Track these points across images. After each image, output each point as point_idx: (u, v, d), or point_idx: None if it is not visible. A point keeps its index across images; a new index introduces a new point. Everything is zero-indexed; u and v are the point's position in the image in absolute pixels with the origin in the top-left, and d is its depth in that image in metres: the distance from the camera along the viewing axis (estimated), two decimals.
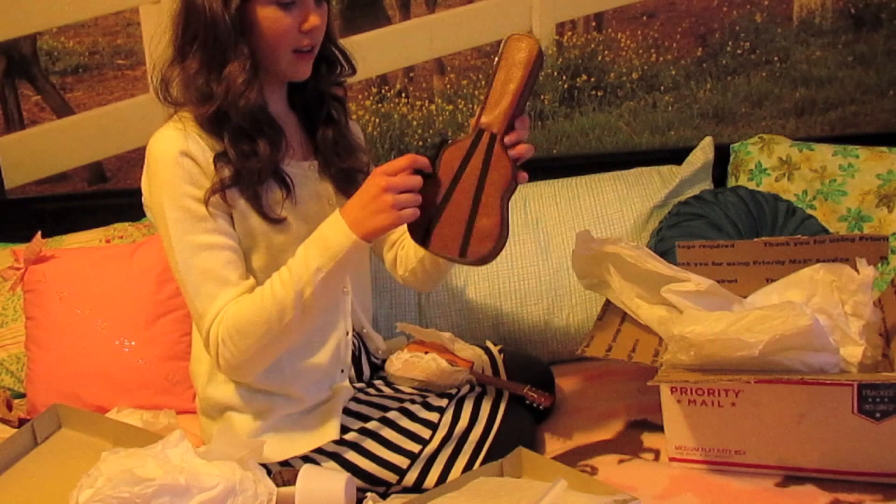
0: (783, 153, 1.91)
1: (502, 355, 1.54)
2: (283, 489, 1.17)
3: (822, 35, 2.04)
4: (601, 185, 1.86)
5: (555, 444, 1.41)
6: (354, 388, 1.38)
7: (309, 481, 1.18)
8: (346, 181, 1.37)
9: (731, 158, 1.98)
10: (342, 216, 1.19)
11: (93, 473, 1.09)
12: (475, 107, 2.03)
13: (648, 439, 1.36)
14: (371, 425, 1.31)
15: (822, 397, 1.18)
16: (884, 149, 1.87)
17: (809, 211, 1.80)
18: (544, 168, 1.94)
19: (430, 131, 2.04)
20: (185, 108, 1.26)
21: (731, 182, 1.95)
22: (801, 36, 2.04)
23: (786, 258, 1.42)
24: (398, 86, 2.03)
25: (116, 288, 1.66)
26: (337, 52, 1.35)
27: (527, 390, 1.42)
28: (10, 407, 1.63)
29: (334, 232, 1.19)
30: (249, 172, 1.23)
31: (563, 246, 1.76)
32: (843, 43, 2.05)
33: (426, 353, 1.45)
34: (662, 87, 2.05)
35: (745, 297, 1.38)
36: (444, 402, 1.34)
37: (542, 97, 2.04)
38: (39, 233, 1.73)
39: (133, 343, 1.63)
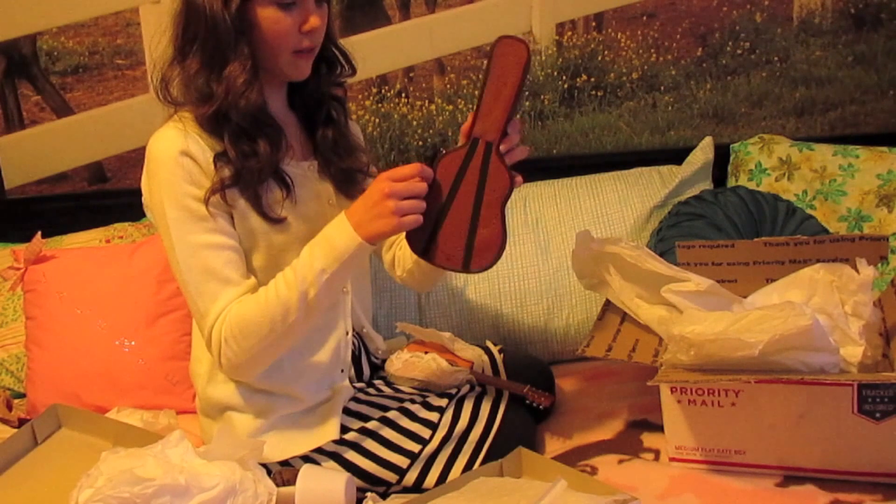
0: (783, 153, 1.91)
1: (502, 355, 1.54)
2: (283, 489, 1.17)
3: (822, 35, 2.04)
4: (601, 185, 1.86)
5: (555, 444, 1.41)
6: (354, 387, 1.38)
7: (309, 481, 1.18)
8: (346, 181, 1.37)
9: (731, 158, 1.98)
10: (347, 218, 1.20)
11: (93, 473, 1.09)
12: (475, 107, 2.03)
13: (648, 439, 1.36)
14: (371, 425, 1.31)
15: (822, 397, 1.18)
16: (884, 149, 1.87)
17: (809, 211, 1.80)
18: (544, 168, 1.94)
19: (430, 131, 2.04)
20: (185, 108, 1.26)
21: (731, 182, 1.95)
22: (801, 36, 2.04)
23: (786, 258, 1.42)
24: (398, 86, 2.03)
25: (116, 288, 1.66)
26: (337, 52, 1.35)
27: (527, 390, 1.42)
28: (10, 407, 1.63)
29: (339, 233, 1.19)
30: (249, 172, 1.23)
31: (563, 246, 1.76)
32: (843, 43, 2.05)
33: (426, 353, 1.45)
34: (662, 87, 2.05)
35: (745, 297, 1.38)
36: (444, 402, 1.34)
37: (542, 97, 2.04)
38: (39, 233, 1.73)
39: (133, 343, 1.63)
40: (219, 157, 1.23)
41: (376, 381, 1.44)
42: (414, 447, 1.30)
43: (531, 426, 1.42)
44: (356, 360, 1.42)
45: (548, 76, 2.03)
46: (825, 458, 1.20)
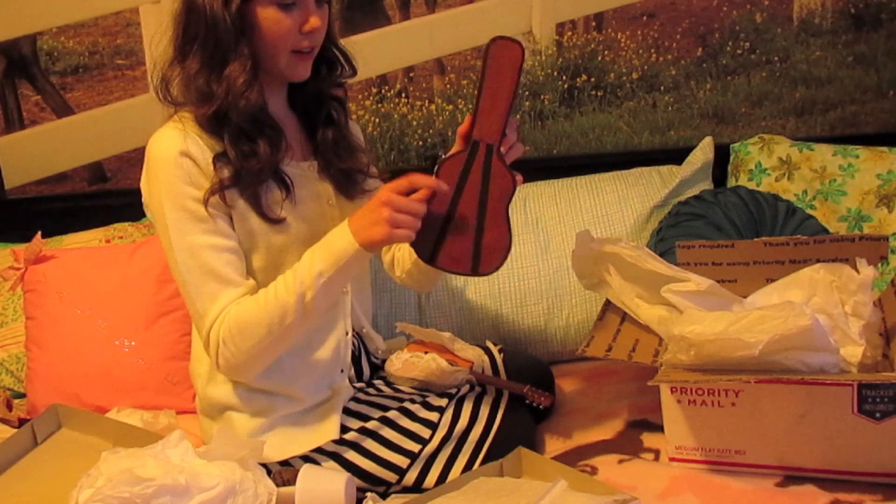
0: (783, 153, 1.91)
1: (502, 355, 1.54)
2: (283, 489, 1.17)
3: (822, 35, 2.04)
4: (601, 185, 1.86)
5: (555, 444, 1.41)
6: (354, 387, 1.38)
7: (309, 481, 1.18)
8: (346, 181, 1.37)
9: (731, 158, 1.98)
10: (348, 223, 1.20)
11: (93, 473, 1.09)
12: (473, 109, 2.02)
13: (648, 439, 1.36)
14: (371, 425, 1.31)
15: (822, 397, 1.18)
16: (884, 149, 1.87)
17: (809, 211, 1.80)
18: (544, 168, 1.94)
19: (430, 131, 2.04)
20: (185, 108, 1.26)
21: (731, 182, 1.95)
22: (801, 36, 2.04)
23: (786, 258, 1.42)
24: (398, 86, 2.03)
25: (116, 288, 1.66)
26: (338, 53, 1.35)
27: (527, 390, 1.42)
28: (10, 407, 1.63)
29: (339, 238, 1.20)
30: (249, 173, 1.23)
31: (563, 246, 1.76)
32: (843, 43, 2.05)
33: (426, 353, 1.45)
34: (662, 87, 2.05)
35: (745, 297, 1.38)
36: (443, 402, 1.34)
37: (542, 97, 2.04)
38: (39, 233, 1.73)
39: (133, 343, 1.63)
40: (218, 158, 1.23)
41: (376, 381, 1.44)
42: (414, 447, 1.30)
43: (531, 426, 1.42)
44: (356, 360, 1.42)
45: (548, 76, 2.03)
46: (825, 458, 1.20)
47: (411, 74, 2.02)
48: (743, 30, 2.03)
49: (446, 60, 2.02)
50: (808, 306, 1.21)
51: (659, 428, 1.32)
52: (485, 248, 1.21)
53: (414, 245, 1.21)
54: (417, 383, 1.42)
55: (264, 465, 1.21)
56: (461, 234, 1.20)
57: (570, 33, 2.02)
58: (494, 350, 1.55)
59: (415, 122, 2.04)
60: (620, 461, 1.31)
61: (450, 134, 2.04)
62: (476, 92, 1.20)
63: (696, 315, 1.23)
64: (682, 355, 1.20)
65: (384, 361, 1.48)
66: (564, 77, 2.03)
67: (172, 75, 1.26)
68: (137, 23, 1.96)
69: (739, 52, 2.04)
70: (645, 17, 2.02)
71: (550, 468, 1.19)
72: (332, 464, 1.29)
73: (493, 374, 1.49)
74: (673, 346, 1.22)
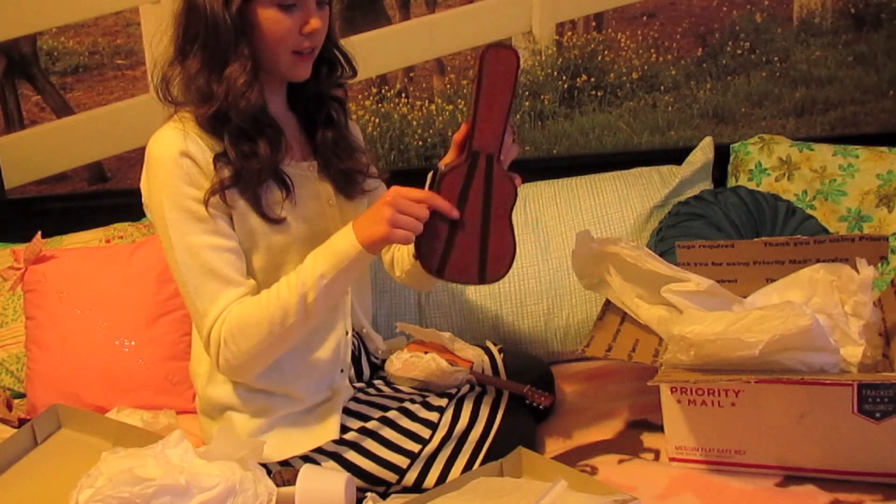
0: (783, 153, 1.91)
1: (502, 355, 1.54)
2: (283, 489, 1.17)
3: (822, 35, 2.04)
4: (601, 185, 1.86)
5: (555, 444, 1.41)
6: (354, 387, 1.38)
7: (309, 481, 1.18)
8: (346, 182, 1.37)
9: (731, 158, 1.98)
10: (352, 226, 1.20)
11: (93, 473, 1.09)
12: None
13: (648, 439, 1.36)
14: (371, 425, 1.31)
15: (822, 397, 1.18)
16: (884, 149, 1.87)
17: (809, 211, 1.80)
18: (544, 168, 1.94)
19: (430, 131, 2.04)
20: (185, 108, 1.26)
21: (731, 182, 1.95)
22: (801, 36, 2.04)
23: (786, 258, 1.42)
24: (398, 86, 2.03)
25: (116, 288, 1.66)
26: (338, 54, 1.35)
27: (527, 390, 1.42)
28: (10, 407, 1.63)
29: (342, 240, 1.20)
30: (249, 173, 1.23)
31: (563, 246, 1.76)
32: (843, 43, 2.05)
33: (426, 353, 1.45)
34: (662, 87, 2.05)
35: (745, 297, 1.38)
36: (444, 402, 1.34)
37: (542, 97, 2.04)
38: (39, 233, 1.73)
39: (133, 343, 1.62)
40: (218, 158, 1.23)
41: (376, 381, 1.44)
42: (414, 447, 1.30)
43: (531, 426, 1.42)
44: (356, 360, 1.42)
45: (548, 76, 2.03)
46: (825, 458, 1.20)
47: (411, 74, 2.02)
48: (743, 30, 2.03)
49: (446, 60, 2.02)
50: (808, 306, 1.22)
51: (659, 428, 1.32)
52: (490, 256, 1.21)
53: (420, 259, 1.21)
54: (417, 383, 1.42)
55: (264, 465, 1.21)
56: (467, 245, 1.20)
57: (570, 33, 2.02)
58: (494, 350, 1.55)
59: (415, 122, 2.04)
60: (620, 461, 1.31)
61: (450, 134, 2.03)
62: (472, 100, 1.19)
63: (696, 315, 1.23)
64: (682, 355, 1.20)
65: (384, 361, 1.48)
66: (564, 77, 2.03)
67: (173, 75, 1.26)
68: (137, 23, 1.96)
69: (739, 52, 2.04)
70: (645, 17, 2.02)
71: (550, 468, 1.19)
72: (332, 464, 1.29)
73: (493, 374, 1.49)
74: (673, 346, 1.22)
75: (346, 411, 1.33)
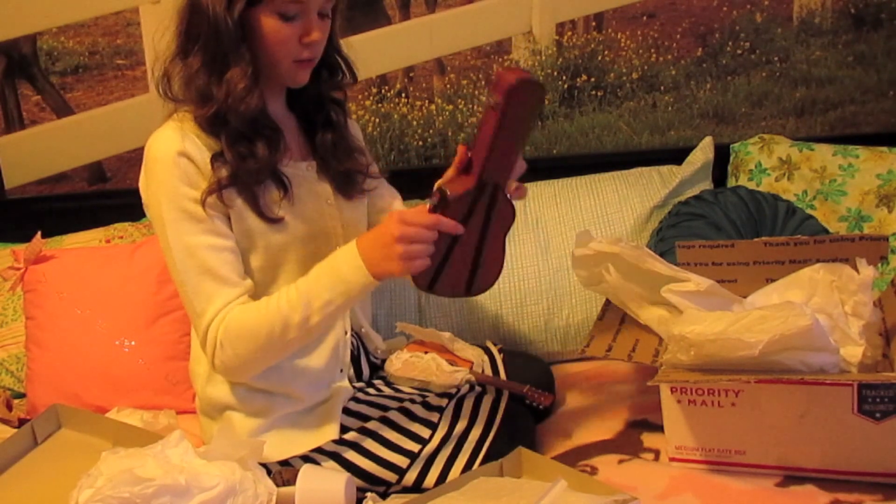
0: (783, 153, 1.91)
1: (502, 355, 1.54)
2: (283, 489, 1.17)
3: (822, 35, 2.04)
4: (601, 185, 1.86)
5: (555, 444, 1.41)
6: (354, 387, 1.38)
7: (309, 481, 1.18)
8: (345, 182, 1.37)
9: (731, 158, 1.98)
10: (359, 251, 1.17)
11: (93, 473, 1.09)
12: (475, 107, 2.03)
13: (648, 439, 1.36)
14: (371, 425, 1.31)
15: (822, 397, 1.18)
16: (884, 149, 1.87)
17: (809, 211, 1.80)
18: (544, 168, 1.94)
19: (430, 131, 2.04)
20: (184, 106, 1.26)
21: (731, 182, 1.95)
22: (801, 36, 2.04)
23: (786, 258, 1.42)
24: (398, 86, 2.03)
25: (116, 288, 1.66)
26: (340, 59, 1.35)
27: (527, 390, 1.42)
28: (10, 407, 1.63)
29: (350, 268, 1.17)
30: (246, 173, 1.23)
31: (563, 246, 1.76)
32: (843, 43, 2.05)
33: (426, 353, 1.45)
34: (662, 87, 2.05)
35: (745, 297, 1.38)
36: (443, 402, 1.34)
37: None
38: (39, 233, 1.73)
39: (133, 343, 1.62)
40: (216, 158, 1.23)
41: (376, 381, 1.45)
42: (414, 447, 1.30)
43: (531, 426, 1.42)
44: (355, 360, 1.42)
45: (548, 76, 2.03)
46: (825, 458, 1.20)
47: (411, 74, 2.02)
48: (743, 30, 2.03)
49: (446, 60, 2.02)
50: (808, 306, 1.21)
51: (659, 428, 1.32)
52: (481, 272, 1.20)
53: (413, 278, 1.19)
54: (417, 383, 1.42)
55: (264, 465, 1.21)
56: (460, 264, 1.18)
57: (570, 33, 2.02)
58: (494, 350, 1.55)
59: (415, 122, 2.04)
60: (620, 461, 1.31)
61: (450, 134, 2.04)
62: (488, 127, 1.11)
63: (696, 315, 1.23)
64: (682, 355, 1.20)
65: (384, 361, 1.48)
66: (564, 77, 2.03)
67: (174, 71, 1.26)
68: (137, 23, 1.96)
69: (739, 52, 2.04)
70: (645, 17, 2.02)
71: (550, 468, 1.19)
72: (332, 464, 1.29)
73: (493, 374, 1.49)
74: (673, 346, 1.22)
75: (346, 411, 1.33)
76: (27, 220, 1.92)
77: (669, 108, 2.06)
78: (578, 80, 2.04)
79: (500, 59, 2.02)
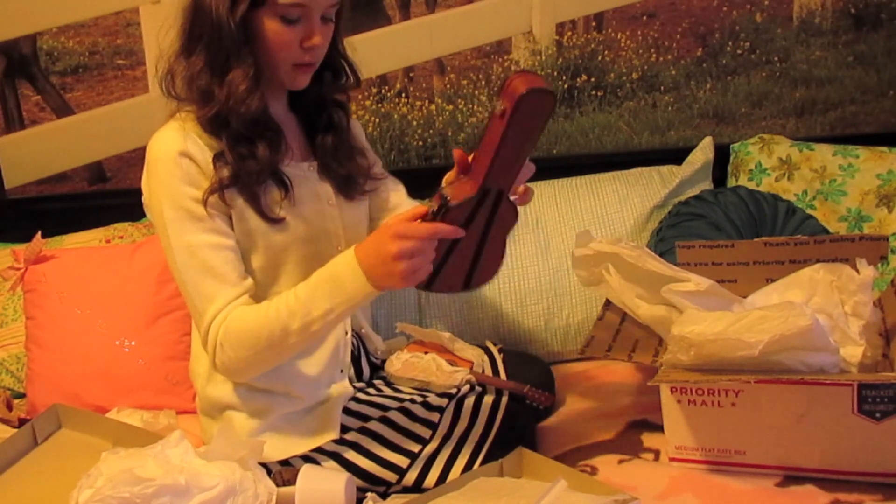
0: (783, 153, 1.91)
1: (502, 355, 1.54)
2: (283, 489, 1.17)
3: (822, 35, 2.04)
4: (601, 185, 1.86)
5: (555, 444, 1.41)
6: (354, 387, 1.38)
7: (309, 481, 1.18)
8: (346, 183, 1.37)
9: (731, 158, 1.98)
10: (359, 261, 1.14)
11: (93, 473, 1.09)
12: (475, 107, 2.03)
13: (648, 439, 1.36)
14: (371, 425, 1.31)
15: (822, 397, 1.18)
16: (884, 149, 1.87)
17: (809, 211, 1.80)
18: (544, 168, 1.92)
19: (430, 131, 2.04)
20: (186, 105, 1.26)
21: (731, 182, 1.95)
22: (801, 36, 2.04)
23: (786, 258, 1.42)
24: (398, 86, 2.03)
25: (116, 288, 1.66)
26: (344, 63, 1.35)
27: (527, 390, 1.42)
28: (10, 407, 1.63)
29: (351, 279, 1.15)
30: (247, 174, 1.23)
31: (563, 246, 1.76)
32: (843, 43, 2.05)
33: (426, 353, 1.45)
34: (662, 87, 2.05)
35: (745, 297, 1.38)
36: (444, 402, 1.34)
37: None
38: (39, 233, 1.73)
39: (133, 343, 1.62)
40: (217, 158, 1.23)
41: (376, 381, 1.45)
42: (414, 447, 1.30)
43: (531, 426, 1.42)
44: (356, 361, 1.42)
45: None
46: (825, 458, 1.20)
47: (411, 74, 2.02)
48: (743, 30, 2.03)
49: (446, 60, 2.02)
50: (808, 306, 1.21)
51: (659, 428, 1.32)
52: (478, 270, 1.18)
53: None
54: (417, 383, 1.42)
55: (264, 465, 1.21)
56: (460, 263, 1.16)
57: (570, 33, 2.02)
58: (494, 350, 1.55)
59: (415, 122, 2.04)
60: (620, 461, 1.31)
61: (450, 134, 2.04)
62: (494, 134, 1.07)
63: (696, 315, 1.23)
64: (682, 355, 1.20)
65: (384, 361, 1.48)
66: (564, 77, 2.03)
67: (177, 69, 1.26)
68: (137, 23, 1.96)
69: (739, 52, 2.04)
70: (645, 17, 2.03)
71: (550, 468, 1.19)
72: (332, 464, 1.29)
73: (493, 374, 1.49)
74: (673, 346, 1.22)
75: (346, 411, 1.33)
76: (27, 220, 1.93)
77: (669, 108, 2.06)
78: (578, 80, 2.04)
79: (500, 60, 2.02)
